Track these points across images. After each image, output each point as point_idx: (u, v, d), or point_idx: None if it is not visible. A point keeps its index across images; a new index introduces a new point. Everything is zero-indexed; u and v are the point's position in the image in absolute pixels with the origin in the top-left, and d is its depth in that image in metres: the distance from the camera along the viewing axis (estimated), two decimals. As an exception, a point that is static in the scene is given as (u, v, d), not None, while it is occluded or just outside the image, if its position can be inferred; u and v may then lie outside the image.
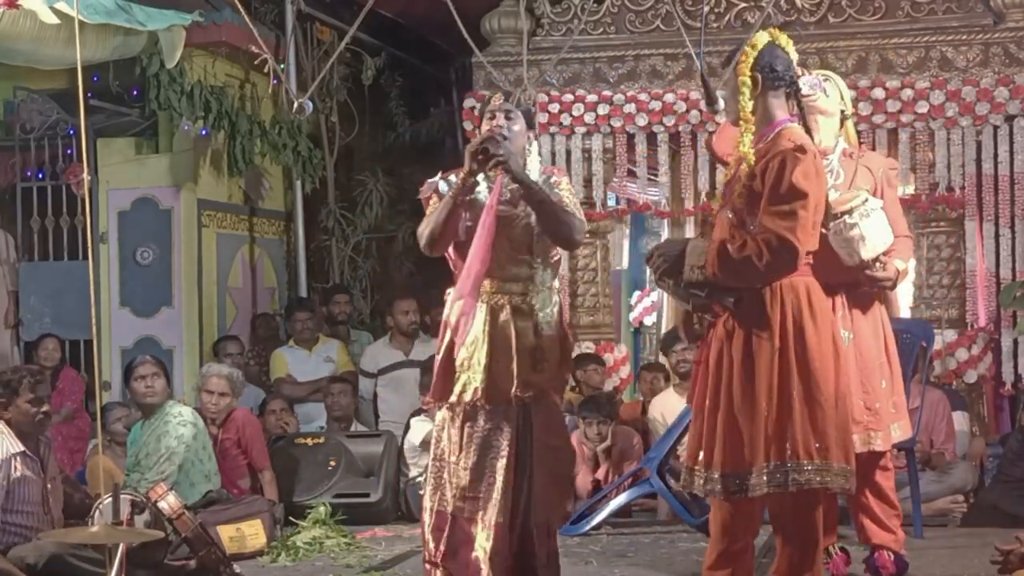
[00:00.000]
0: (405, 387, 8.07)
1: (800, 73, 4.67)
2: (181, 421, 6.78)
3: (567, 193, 4.85)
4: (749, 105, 4.40)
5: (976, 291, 7.82)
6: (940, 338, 7.59)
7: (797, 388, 4.32)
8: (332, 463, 7.51)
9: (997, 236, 7.74)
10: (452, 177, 4.82)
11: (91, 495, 6.09)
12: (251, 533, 6.46)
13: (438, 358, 4.91)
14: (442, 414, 4.85)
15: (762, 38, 4.42)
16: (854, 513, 5.34)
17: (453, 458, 4.76)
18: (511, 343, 4.74)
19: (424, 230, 4.81)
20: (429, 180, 4.92)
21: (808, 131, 4.53)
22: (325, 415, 8.28)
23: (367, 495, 7.38)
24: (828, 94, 5.14)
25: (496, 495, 4.69)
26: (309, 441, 7.69)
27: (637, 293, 10.24)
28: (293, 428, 8.01)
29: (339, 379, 8.33)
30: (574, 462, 5.06)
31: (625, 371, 8.45)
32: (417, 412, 7.55)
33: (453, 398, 4.79)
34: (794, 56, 4.49)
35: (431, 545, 4.77)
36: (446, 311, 4.93)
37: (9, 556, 5.59)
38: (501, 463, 4.70)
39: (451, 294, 4.89)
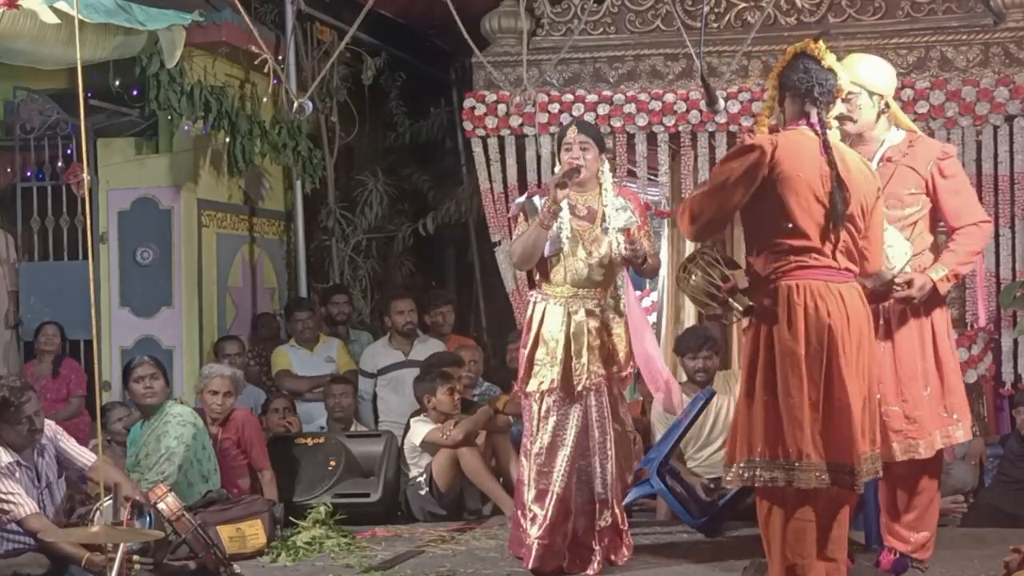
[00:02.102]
0: (405, 387, 8.06)
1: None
2: (181, 421, 6.78)
3: (646, 235, 5.76)
4: (767, 111, 4.78)
5: (976, 291, 7.81)
6: (940, 338, 7.57)
7: (765, 388, 4.60)
8: (332, 463, 7.51)
9: (997, 236, 7.73)
10: (536, 198, 5.66)
11: (92, 496, 6.09)
12: (251, 533, 6.46)
13: (524, 353, 5.69)
14: (528, 402, 5.70)
15: (793, 49, 4.71)
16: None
17: (535, 439, 5.65)
18: (584, 342, 5.58)
19: (516, 251, 5.67)
20: (516, 200, 5.84)
21: (821, 135, 4.63)
22: (326, 415, 8.28)
23: (367, 495, 7.38)
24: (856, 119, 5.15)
25: (562, 470, 5.58)
26: (309, 441, 7.69)
27: (637, 293, 10.23)
28: (296, 427, 8.01)
29: (341, 380, 8.32)
30: (633, 441, 6.04)
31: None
32: (417, 412, 7.55)
33: (532, 388, 5.64)
34: (830, 63, 4.67)
35: (532, 512, 5.65)
36: (528, 311, 5.74)
37: (10, 563, 5.59)
38: (568, 443, 5.60)
39: (533, 297, 5.74)
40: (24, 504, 5.60)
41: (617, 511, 5.73)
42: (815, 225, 4.59)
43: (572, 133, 5.67)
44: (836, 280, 4.64)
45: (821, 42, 4.70)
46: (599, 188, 5.74)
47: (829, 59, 4.68)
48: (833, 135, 4.73)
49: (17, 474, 5.70)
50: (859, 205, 4.67)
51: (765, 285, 4.65)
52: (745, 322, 4.80)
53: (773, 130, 4.79)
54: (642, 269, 5.77)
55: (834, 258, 4.63)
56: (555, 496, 5.59)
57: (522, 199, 5.82)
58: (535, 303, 5.72)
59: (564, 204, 5.58)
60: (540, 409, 5.65)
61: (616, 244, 5.66)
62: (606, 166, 5.80)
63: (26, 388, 5.85)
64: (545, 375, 5.62)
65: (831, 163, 4.59)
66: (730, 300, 4.72)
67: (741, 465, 4.66)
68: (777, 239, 4.63)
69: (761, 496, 4.68)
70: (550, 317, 5.65)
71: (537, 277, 5.77)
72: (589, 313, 5.64)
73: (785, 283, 4.60)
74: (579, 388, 5.60)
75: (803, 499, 4.58)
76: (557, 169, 5.74)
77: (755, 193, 4.62)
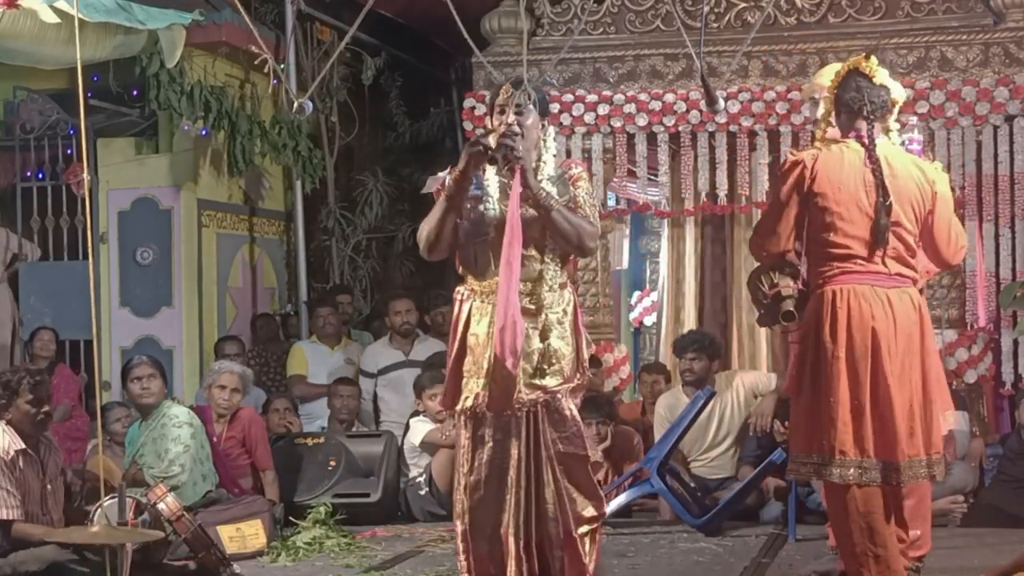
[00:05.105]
0: (405, 387, 8.05)
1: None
2: (177, 423, 6.73)
3: (584, 193, 4.64)
4: (824, 124, 4.93)
5: (976, 291, 7.81)
6: (940, 338, 7.57)
7: (809, 388, 4.76)
8: (332, 463, 7.50)
9: (997, 236, 7.73)
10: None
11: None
12: (251, 533, 6.46)
13: (449, 363, 4.69)
14: (459, 423, 4.69)
15: (846, 66, 4.90)
16: None
17: (464, 468, 4.62)
18: None
19: (421, 234, 4.64)
20: (437, 174, 4.82)
21: (869, 147, 4.79)
22: (327, 414, 8.27)
23: (367, 495, 7.38)
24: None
25: (508, 510, 4.56)
26: (309, 441, 7.69)
27: (637, 293, 10.24)
28: (296, 428, 7.99)
29: (348, 381, 8.27)
30: (595, 467, 4.74)
31: (625, 371, 8.45)
32: (416, 412, 7.56)
33: (459, 406, 4.62)
34: (882, 79, 4.87)
35: (460, 558, 4.70)
36: (454, 312, 4.70)
37: (9, 560, 5.59)
38: (510, 476, 4.55)
39: (459, 295, 4.71)
40: (10, 507, 5.62)
41: (583, 549, 4.61)
42: (859, 233, 4.76)
43: (506, 94, 4.62)
44: (884, 285, 4.77)
45: (873, 58, 4.90)
46: (539, 161, 4.64)
47: (881, 76, 4.89)
48: (887, 142, 4.89)
49: (20, 463, 5.71)
50: (909, 209, 4.81)
51: (812, 291, 4.84)
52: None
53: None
54: (553, 224, 4.52)
55: (883, 264, 4.78)
56: (500, 541, 4.59)
57: (443, 174, 4.74)
58: (461, 300, 4.67)
59: (494, 182, 4.63)
60: (473, 432, 4.59)
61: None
62: (549, 132, 4.75)
63: (41, 372, 5.98)
64: (471, 389, 4.57)
65: (875, 172, 4.76)
66: (777, 306, 4.86)
67: (792, 460, 4.89)
68: (822, 248, 4.81)
69: (831, 490, 4.85)
70: (477, 318, 4.61)
71: (460, 269, 4.73)
72: (524, 312, 4.49)
73: (829, 288, 4.77)
74: (516, 406, 4.53)
75: (871, 492, 4.73)
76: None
77: (805, 205, 4.82)
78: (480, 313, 4.60)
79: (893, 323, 4.73)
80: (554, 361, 4.58)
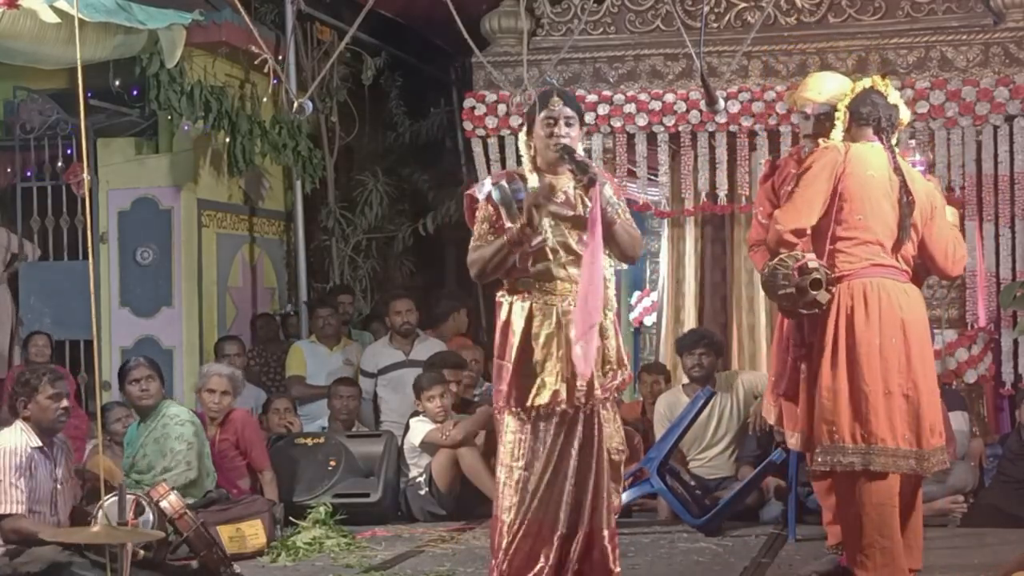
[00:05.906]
0: (405, 387, 8.04)
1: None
2: (179, 421, 6.74)
3: (618, 202, 4.84)
4: (839, 134, 5.09)
5: (976, 291, 7.82)
6: (940, 338, 7.58)
7: (845, 378, 4.86)
8: (332, 463, 7.50)
9: (997, 236, 7.73)
10: (504, 183, 4.73)
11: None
12: (251, 533, 6.46)
13: (508, 364, 4.74)
14: (512, 420, 4.74)
15: (863, 83, 5.12)
16: None
17: (518, 463, 4.71)
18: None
19: (477, 263, 4.75)
20: (481, 185, 4.81)
21: (890, 151, 5.02)
22: (327, 414, 8.26)
23: (367, 495, 7.38)
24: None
25: (563, 506, 4.70)
26: (309, 441, 7.69)
27: (637, 293, 10.24)
28: (297, 428, 7.99)
29: (348, 382, 8.26)
30: (629, 459, 5.00)
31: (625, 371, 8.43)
32: (416, 413, 7.56)
33: (529, 402, 4.70)
34: (893, 98, 5.11)
35: (499, 552, 4.74)
36: (503, 314, 4.79)
37: (10, 560, 5.59)
38: (568, 472, 4.70)
39: (505, 298, 4.81)
40: (14, 502, 5.63)
41: (607, 546, 4.78)
42: (883, 225, 4.94)
43: (558, 105, 4.72)
44: (901, 279, 4.99)
45: (888, 79, 5.17)
46: None
47: (894, 96, 5.12)
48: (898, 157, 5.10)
49: (35, 460, 5.72)
50: (918, 215, 5.01)
51: (839, 281, 4.93)
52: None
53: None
54: (615, 237, 4.74)
55: (897, 259, 4.98)
56: (559, 536, 4.71)
57: (488, 186, 4.78)
58: (511, 303, 4.78)
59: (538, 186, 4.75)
60: (535, 428, 4.72)
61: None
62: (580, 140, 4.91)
63: (60, 370, 6.14)
64: (545, 387, 4.69)
65: (897, 171, 4.97)
66: (801, 279, 4.88)
67: (822, 449, 4.90)
68: (850, 236, 4.94)
69: (842, 481, 4.93)
70: (539, 319, 4.72)
71: (508, 275, 4.83)
72: None
73: (859, 280, 4.91)
74: (587, 402, 4.71)
75: (885, 482, 4.84)
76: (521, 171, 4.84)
77: (832, 192, 4.92)
78: (543, 314, 4.71)
79: (914, 314, 4.94)
80: (610, 359, 4.77)
